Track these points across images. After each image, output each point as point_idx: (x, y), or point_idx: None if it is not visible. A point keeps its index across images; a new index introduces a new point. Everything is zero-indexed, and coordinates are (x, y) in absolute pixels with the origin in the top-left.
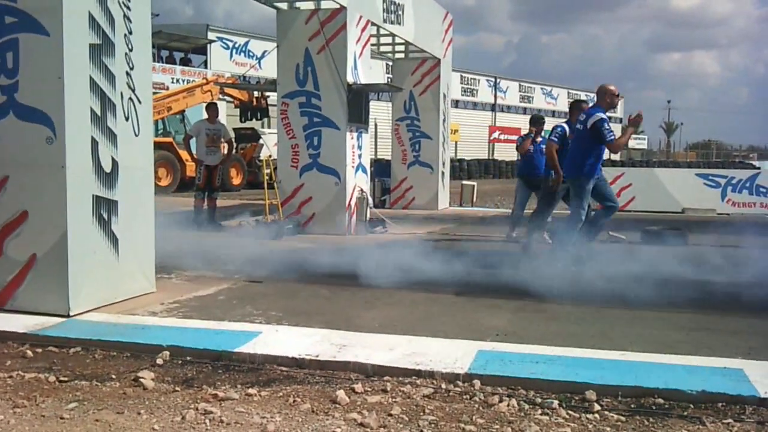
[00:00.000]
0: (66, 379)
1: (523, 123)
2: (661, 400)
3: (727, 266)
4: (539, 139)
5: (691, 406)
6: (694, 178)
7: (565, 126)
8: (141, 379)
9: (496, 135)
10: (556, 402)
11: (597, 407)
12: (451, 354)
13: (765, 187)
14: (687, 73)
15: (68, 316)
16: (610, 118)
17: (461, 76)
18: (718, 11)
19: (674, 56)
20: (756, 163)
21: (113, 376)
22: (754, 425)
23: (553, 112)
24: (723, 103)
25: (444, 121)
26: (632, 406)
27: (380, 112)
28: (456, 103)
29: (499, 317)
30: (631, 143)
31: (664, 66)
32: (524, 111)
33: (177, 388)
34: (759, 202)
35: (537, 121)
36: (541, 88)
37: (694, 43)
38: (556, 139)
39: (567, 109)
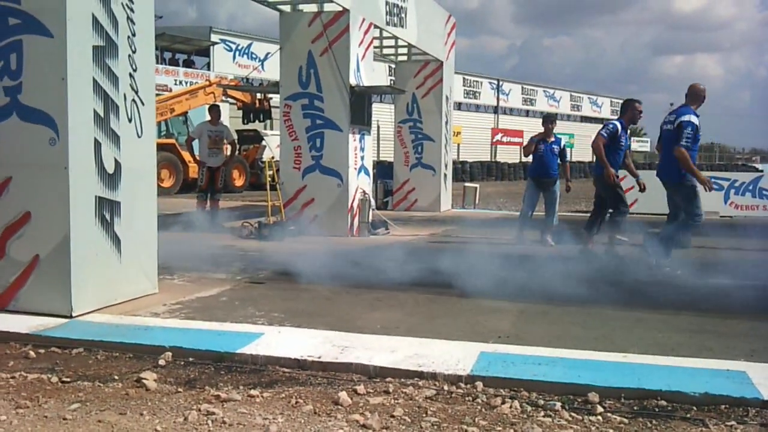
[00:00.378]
0: (68, 379)
1: (525, 125)
2: (663, 402)
3: (729, 268)
4: (551, 138)
5: (694, 408)
6: None
7: (618, 124)
8: (143, 380)
9: (498, 137)
10: (558, 404)
11: (600, 409)
12: (453, 356)
13: (767, 189)
14: (689, 76)
15: (71, 316)
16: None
17: (464, 78)
18: (720, 14)
19: (676, 59)
20: (759, 166)
21: (116, 377)
22: (757, 427)
23: (556, 114)
24: (726, 106)
25: (446, 123)
26: (635, 408)
27: (383, 114)
28: (458, 106)
29: (502, 319)
30: (634, 146)
31: (667, 69)
32: (527, 113)
33: (179, 389)
34: (762, 205)
35: (547, 118)
36: (544, 91)
37: (696, 46)
38: (605, 135)
39: (569, 112)
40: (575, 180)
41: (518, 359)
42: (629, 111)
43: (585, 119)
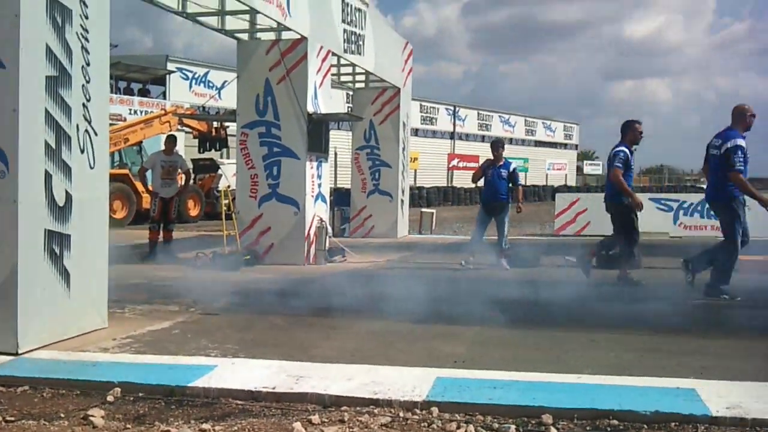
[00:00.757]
0: (12, 419)
1: (481, 150)
2: (615, 422)
3: (677, 288)
4: (500, 162)
5: (645, 426)
6: (647, 202)
7: (624, 149)
8: (90, 417)
9: (455, 162)
10: (513, 427)
11: (553, 431)
12: (409, 382)
13: None
14: (640, 100)
15: (16, 354)
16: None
17: (421, 104)
18: (670, 40)
19: (627, 84)
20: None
21: (62, 415)
22: None
23: (511, 139)
24: (675, 129)
25: (403, 149)
26: (587, 428)
27: (340, 141)
28: (416, 132)
29: (457, 344)
30: (587, 169)
31: (618, 93)
32: (482, 139)
33: (128, 426)
34: (710, 225)
35: (495, 144)
36: (499, 116)
37: (646, 71)
38: (620, 165)
39: (524, 137)
40: (529, 204)
41: (473, 383)
42: (630, 132)
43: (539, 143)
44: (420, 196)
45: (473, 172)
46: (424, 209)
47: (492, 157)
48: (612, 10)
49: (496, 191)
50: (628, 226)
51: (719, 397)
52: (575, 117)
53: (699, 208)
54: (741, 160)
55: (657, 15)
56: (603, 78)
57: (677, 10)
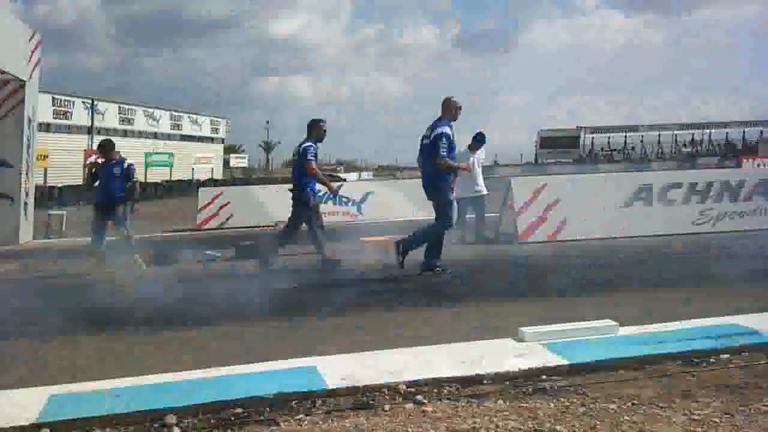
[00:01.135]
0: None
1: (123, 145)
2: (240, 410)
3: (306, 273)
4: (113, 160)
5: (269, 409)
6: (287, 194)
7: (313, 144)
8: None
9: (93, 159)
10: None
11: (177, 430)
12: (18, 404)
13: (346, 197)
14: (285, 95)
15: None
16: None
17: (53, 98)
18: (310, 39)
19: (273, 80)
20: (342, 175)
21: None
22: (321, 416)
23: (155, 134)
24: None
25: (29, 147)
26: (212, 421)
27: None
28: (47, 127)
29: (77, 356)
30: (233, 162)
31: (264, 89)
32: (125, 133)
33: None
34: (342, 211)
35: (104, 145)
36: (143, 110)
37: (290, 68)
38: (313, 159)
39: (170, 131)
40: (172, 199)
41: (93, 396)
42: (315, 130)
43: (185, 138)
44: (51, 197)
45: (85, 175)
46: (53, 211)
47: (103, 157)
48: (258, 7)
49: (110, 191)
50: (296, 219)
51: (335, 370)
52: (224, 111)
53: (332, 195)
54: (445, 146)
55: (299, 14)
56: (250, 73)
57: (317, 10)
